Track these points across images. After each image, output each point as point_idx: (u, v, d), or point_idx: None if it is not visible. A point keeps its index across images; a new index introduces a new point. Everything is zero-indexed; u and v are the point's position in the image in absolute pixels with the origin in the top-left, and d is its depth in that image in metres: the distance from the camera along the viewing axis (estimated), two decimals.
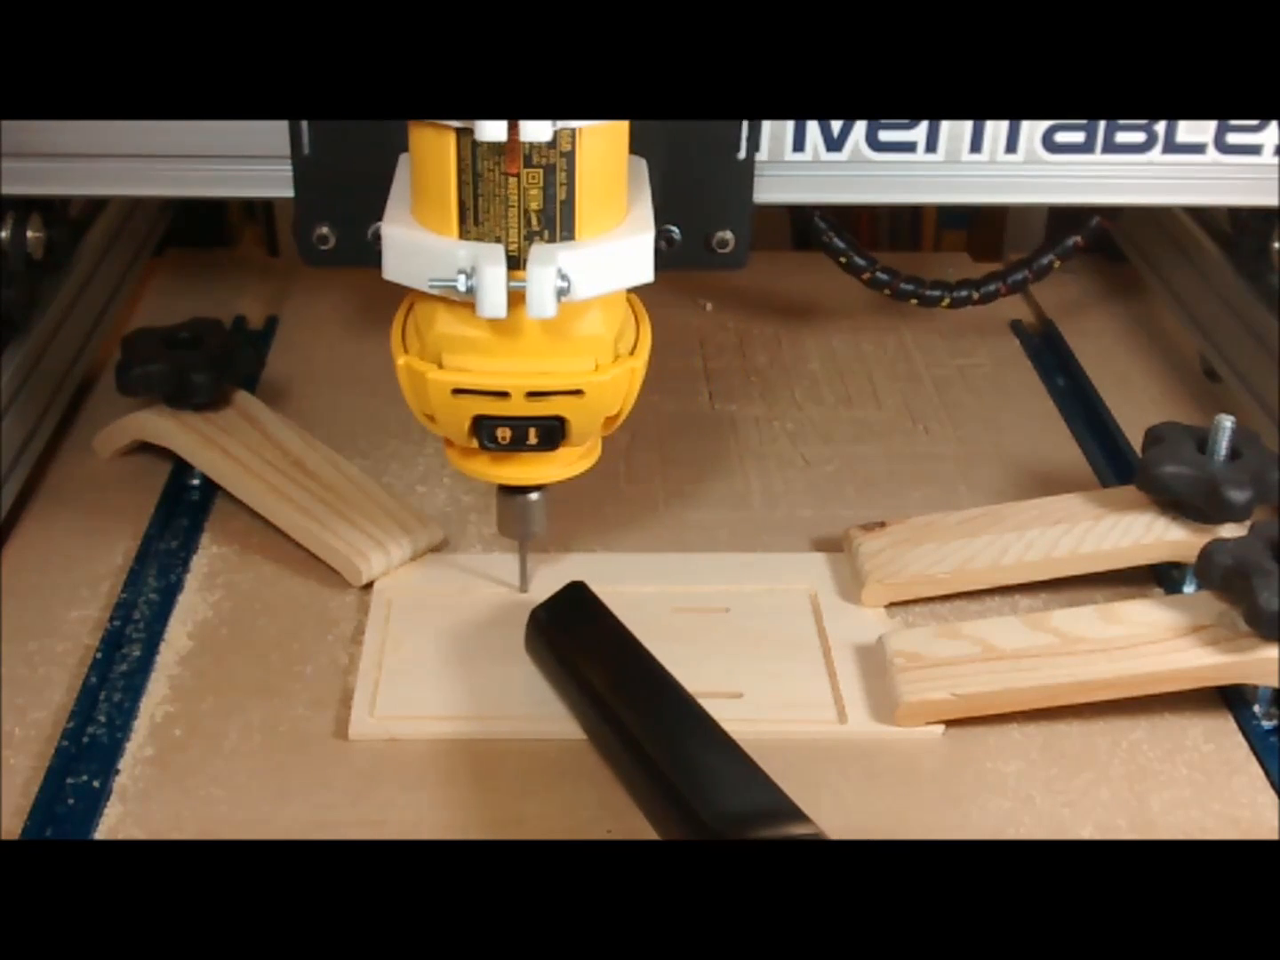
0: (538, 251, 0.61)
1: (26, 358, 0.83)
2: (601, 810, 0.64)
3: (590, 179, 0.61)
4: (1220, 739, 0.69)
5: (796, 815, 0.60)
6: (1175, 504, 0.76)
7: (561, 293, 0.60)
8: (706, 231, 0.77)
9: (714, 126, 0.75)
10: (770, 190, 0.79)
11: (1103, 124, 0.78)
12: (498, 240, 0.61)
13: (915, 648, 0.70)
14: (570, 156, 0.61)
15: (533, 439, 0.65)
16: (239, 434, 0.83)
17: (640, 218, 0.65)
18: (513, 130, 0.58)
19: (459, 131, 0.60)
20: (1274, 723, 0.69)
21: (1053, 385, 0.97)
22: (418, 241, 0.63)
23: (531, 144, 0.60)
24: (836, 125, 0.78)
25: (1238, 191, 0.80)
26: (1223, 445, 0.76)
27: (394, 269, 0.64)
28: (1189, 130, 0.78)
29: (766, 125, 0.77)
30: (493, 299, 0.60)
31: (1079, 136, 0.79)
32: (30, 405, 0.83)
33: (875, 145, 0.78)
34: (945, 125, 0.78)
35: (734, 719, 0.68)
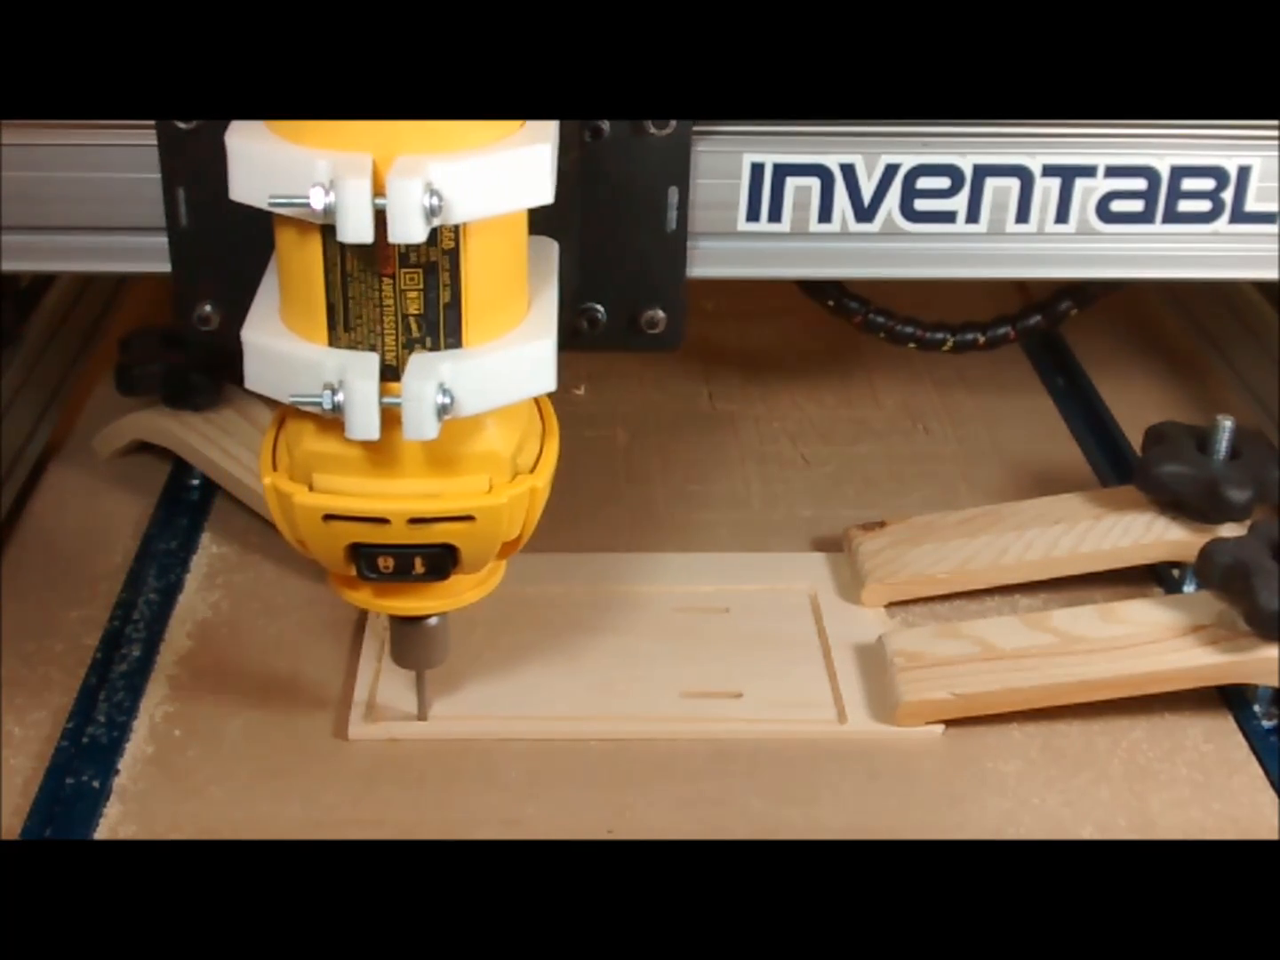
0: (417, 363, 0.53)
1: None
2: (602, 810, 0.64)
3: (479, 278, 0.53)
4: (1220, 739, 0.68)
5: None
6: (1175, 504, 0.76)
7: (444, 410, 0.52)
8: (634, 310, 0.69)
9: (638, 195, 0.67)
10: (794, 264, 0.72)
11: (1164, 191, 0.71)
12: (372, 349, 0.54)
13: (915, 647, 0.70)
14: (454, 255, 0.53)
15: (419, 568, 0.57)
16: (239, 434, 0.83)
17: (541, 318, 0.57)
18: (381, 231, 0.50)
19: (324, 228, 0.52)
20: (1274, 723, 0.69)
21: (1053, 385, 0.97)
22: (280, 350, 0.54)
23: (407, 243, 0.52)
24: (867, 193, 0.70)
25: None
26: (1223, 445, 0.76)
27: (256, 379, 0.55)
28: (1258, 198, 0.71)
29: (789, 194, 0.70)
30: (362, 419, 0.52)
31: (1137, 205, 0.71)
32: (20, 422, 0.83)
33: (910, 215, 0.71)
34: (988, 193, 0.70)
35: (734, 719, 0.69)
